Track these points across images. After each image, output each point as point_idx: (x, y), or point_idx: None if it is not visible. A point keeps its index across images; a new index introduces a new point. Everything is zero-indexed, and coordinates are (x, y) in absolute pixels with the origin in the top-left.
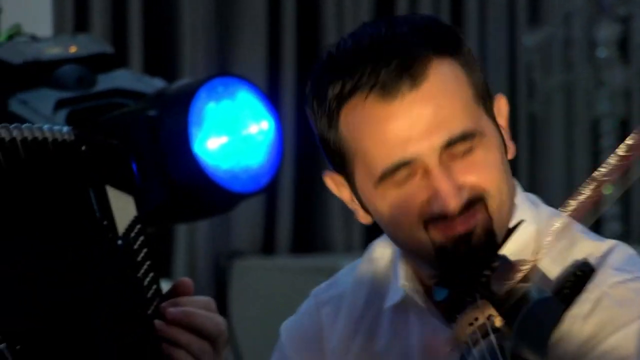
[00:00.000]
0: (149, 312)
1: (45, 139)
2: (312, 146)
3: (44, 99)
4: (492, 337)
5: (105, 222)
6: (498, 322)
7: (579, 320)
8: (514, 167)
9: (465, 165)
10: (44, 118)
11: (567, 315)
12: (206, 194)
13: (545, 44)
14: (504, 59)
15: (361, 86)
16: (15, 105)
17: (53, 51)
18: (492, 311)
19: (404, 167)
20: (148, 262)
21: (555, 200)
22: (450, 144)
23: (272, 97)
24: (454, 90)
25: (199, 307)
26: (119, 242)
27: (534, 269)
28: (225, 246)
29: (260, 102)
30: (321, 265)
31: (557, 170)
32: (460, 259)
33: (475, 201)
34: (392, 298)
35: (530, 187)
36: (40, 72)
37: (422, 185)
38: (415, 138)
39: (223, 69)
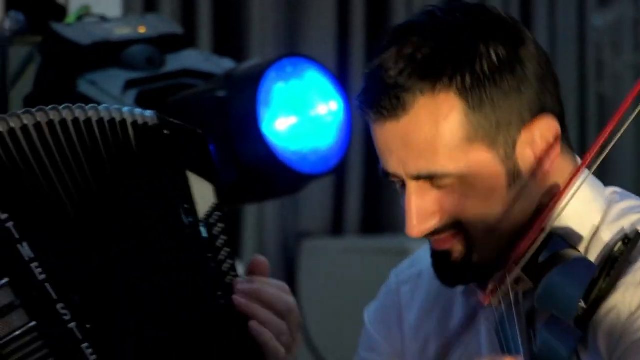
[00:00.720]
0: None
1: (124, 120)
2: None
3: (113, 80)
4: (512, 294)
5: (186, 206)
6: (523, 284)
7: (632, 288)
8: (583, 149)
9: (441, 194)
10: (112, 99)
11: (620, 283)
12: (275, 175)
13: (614, 24)
14: (573, 39)
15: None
16: (84, 86)
17: (122, 32)
18: (519, 274)
19: (392, 175)
20: (227, 249)
21: (624, 181)
22: (419, 178)
23: (341, 78)
24: (432, 131)
25: (274, 286)
26: (201, 226)
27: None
28: (294, 227)
29: (329, 83)
30: (390, 246)
31: (626, 151)
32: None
33: (449, 227)
34: None
35: (599, 168)
36: (109, 53)
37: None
38: (390, 161)
39: (292, 49)
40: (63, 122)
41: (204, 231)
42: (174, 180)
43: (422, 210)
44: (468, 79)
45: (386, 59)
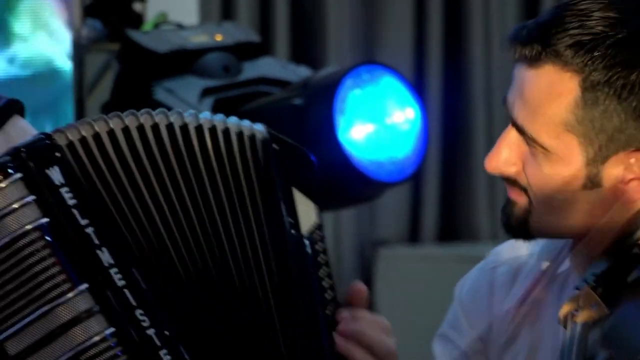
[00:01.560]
0: (328, 313)
1: (227, 129)
2: (458, 134)
3: (190, 87)
4: (578, 327)
5: (291, 220)
6: (587, 314)
7: None
8: None
9: (527, 154)
10: (189, 106)
11: None
12: (351, 183)
13: None
14: None
15: None
16: (160, 94)
17: (199, 39)
18: (593, 300)
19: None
20: (326, 268)
21: None
22: (519, 129)
23: (417, 85)
24: (545, 99)
25: (376, 327)
26: (305, 241)
27: None
28: (371, 235)
29: (406, 90)
30: (467, 254)
31: None
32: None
33: (519, 185)
34: (564, 265)
35: None
36: (185, 61)
37: None
38: (510, 94)
39: (368, 56)
40: (155, 126)
41: (307, 246)
42: (281, 194)
43: (506, 154)
44: (600, 78)
45: (589, 9)
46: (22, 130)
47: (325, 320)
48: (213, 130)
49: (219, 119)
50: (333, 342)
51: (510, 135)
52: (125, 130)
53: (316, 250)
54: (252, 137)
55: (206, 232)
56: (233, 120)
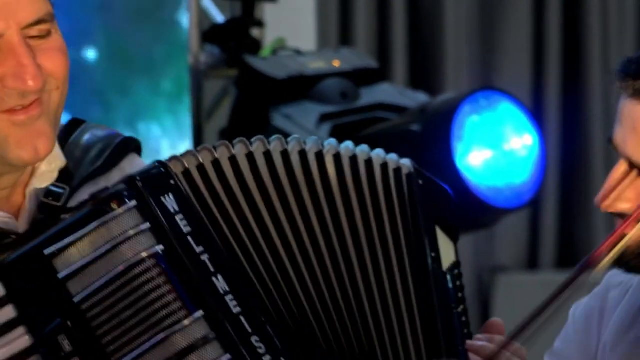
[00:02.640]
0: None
1: (370, 159)
2: (576, 159)
3: (307, 113)
4: None
5: (433, 255)
6: None
7: None
8: None
9: (637, 187)
10: (307, 132)
11: None
12: (469, 209)
13: None
14: None
15: None
16: (278, 119)
17: (316, 65)
18: None
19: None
20: (463, 306)
21: None
22: (631, 164)
23: (535, 111)
24: None
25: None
26: (448, 277)
27: None
28: (489, 261)
29: (524, 116)
30: (586, 280)
31: None
32: None
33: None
34: None
35: None
36: (303, 86)
37: None
38: (617, 132)
39: (486, 82)
40: (284, 152)
41: (449, 281)
42: (424, 228)
43: (618, 191)
44: None
45: None
46: (137, 167)
47: (465, 357)
48: (354, 159)
49: (361, 149)
50: None
51: (621, 172)
52: (250, 156)
53: (457, 287)
54: (398, 170)
55: (336, 261)
56: (378, 152)
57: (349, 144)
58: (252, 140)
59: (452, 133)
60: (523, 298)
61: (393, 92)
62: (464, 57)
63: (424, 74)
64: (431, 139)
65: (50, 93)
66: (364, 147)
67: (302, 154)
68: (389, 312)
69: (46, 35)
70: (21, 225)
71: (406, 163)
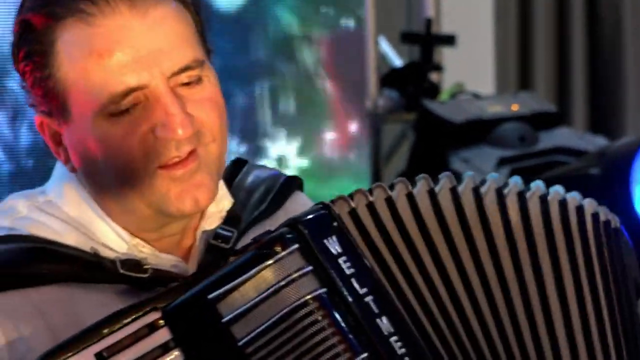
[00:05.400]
0: None
1: (581, 206)
2: None
3: (485, 157)
4: None
5: None
6: None
7: None
8: None
9: None
10: (482, 174)
11: None
12: None
13: None
14: None
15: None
16: (456, 163)
17: (494, 109)
18: None
19: None
20: None
21: None
22: None
23: None
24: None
25: None
26: None
27: None
28: None
29: None
30: None
31: None
32: None
33: None
34: None
35: None
36: (481, 130)
37: None
38: None
39: None
40: (476, 189)
41: None
42: (632, 286)
43: None
44: None
45: None
46: (301, 206)
47: None
48: (563, 204)
49: (572, 195)
50: None
51: None
52: (431, 192)
53: None
54: (607, 223)
55: (531, 313)
56: (589, 201)
57: (558, 188)
58: (437, 179)
59: (632, 177)
60: None
61: (572, 136)
62: None
63: (603, 118)
64: (610, 182)
65: (206, 146)
66: (575, 194)
67: (499, 192)
68: None
69: (197, 82)
70: (191, 267)
71: (615, 218)
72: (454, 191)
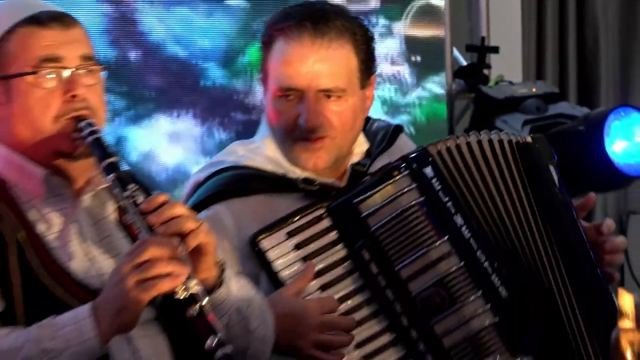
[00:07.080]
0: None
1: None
2: None
3: (516, 120)
4: None
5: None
6: None
7: None
8: None
9: None
10: (516, 131)
11: None
12: (613, 178)
13: None
14: None
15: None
16: (499, 123)
17: (522, 91)
18: None
19: None
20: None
21: None
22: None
23: None
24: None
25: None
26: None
27: None
28: (625, 206)
29: None
30: None
31: None
32: None
33: None
34: None
35: None
36: (514, 104)
37: None
38: None
39: (625, 101)
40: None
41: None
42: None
43: None
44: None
45: None
46: (404, 144)
47: (604, 278)
48: (491, 139)
49: (500, 133)
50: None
51: None
52: (479, 142)
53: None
54: (517, 142)
55: (507, 211)
56: (506, 133)
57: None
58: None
59: (603, 131)
60: None
61: (568, 107)
62: (612, 83)
63: (587, 96)
64: (590, 135)
65: (333, 139)
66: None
67: (490, 139)
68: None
69: (336, 99)
70: (342, 183)
71: (526, 136)
72: (488, 139)
